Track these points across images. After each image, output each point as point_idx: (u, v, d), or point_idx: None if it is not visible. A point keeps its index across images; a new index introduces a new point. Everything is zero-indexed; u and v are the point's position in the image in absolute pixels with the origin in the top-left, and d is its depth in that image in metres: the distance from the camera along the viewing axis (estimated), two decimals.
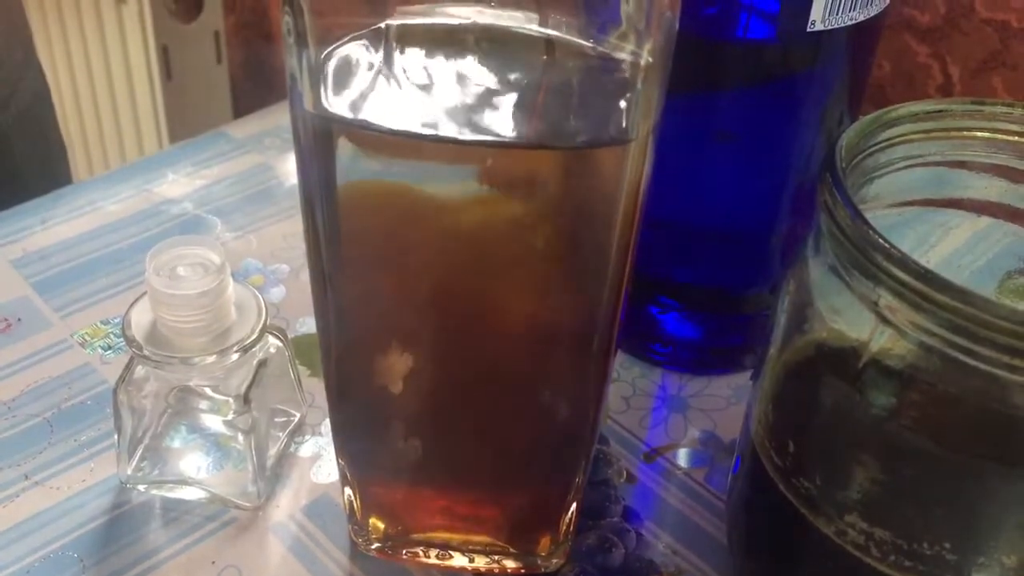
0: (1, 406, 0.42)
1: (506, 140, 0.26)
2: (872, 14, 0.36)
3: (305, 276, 0.49)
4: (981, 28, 0.59)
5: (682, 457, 0.42)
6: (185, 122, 1.10)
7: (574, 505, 0.35)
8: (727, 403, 0.44)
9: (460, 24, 0.26)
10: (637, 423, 0.43)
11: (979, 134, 0.32)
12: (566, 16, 0.26)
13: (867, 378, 0.29)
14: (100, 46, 1.11)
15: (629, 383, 0.45)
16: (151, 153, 1.13)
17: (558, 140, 0.26)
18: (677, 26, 0.26)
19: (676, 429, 0.43)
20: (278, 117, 0.61)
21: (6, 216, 0.52)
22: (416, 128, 0.26)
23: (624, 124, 0.26)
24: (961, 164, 0.33)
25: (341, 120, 0.26)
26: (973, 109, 0.32)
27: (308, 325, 0.47)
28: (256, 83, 1.17)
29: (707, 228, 0.43)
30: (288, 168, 0.57)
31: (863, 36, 0.38)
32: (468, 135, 0.25)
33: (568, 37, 0.26)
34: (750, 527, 0.35)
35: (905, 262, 0.26)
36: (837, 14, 0.35)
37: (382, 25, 0.26)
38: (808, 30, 0.35)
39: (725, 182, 0.41)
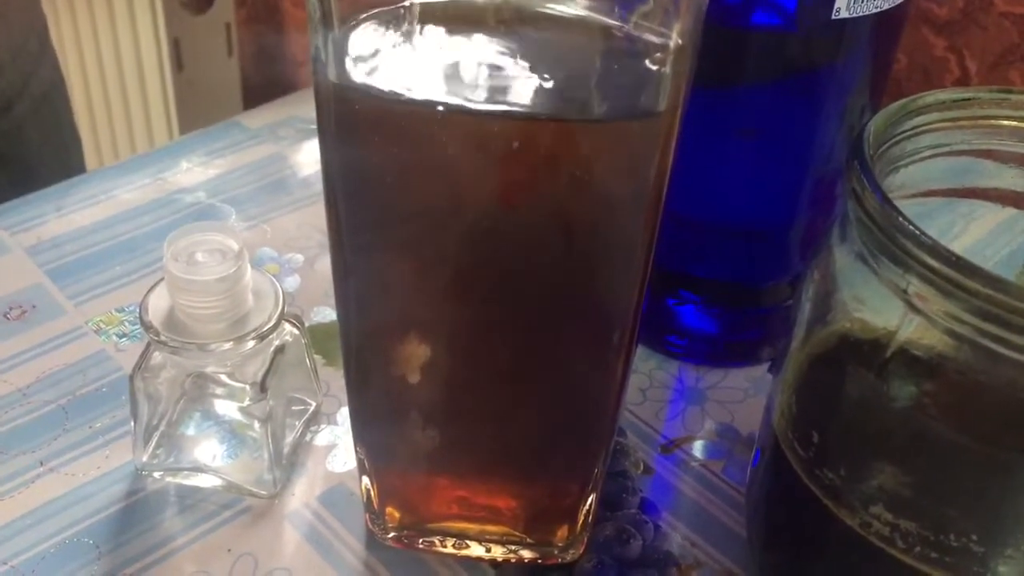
0: (16, 393, 0.42)
1: (532, 112, 0.25)
2: (897, 2, 0.36)
3: (319, 266, 0.49)
4: (999, 22, 0.59)
5: (699, 449, 0.41)
6: (196, 113, 1.10)
7: (592, 496, 0.35)
8: (744, 395, 0.44)
9: (484, 2, 0.26)
10: (654, 415, 0.43)
11: (1006, 123, 0.32)
12: None
13: (894, 368, 0.28)
14: (112, 38, 1.11)
15: (646, 375, 0.44)
16: (161, 143, 1.13)
17: (586, 113, 0.26)
18: (706, 8, 0.25)
19: (693, 421, 0.43)
20: (292, 107, 0.61)
21: (21, 204, 0.52)
22: (437, 99, 0.25)
23: (652, 99, 0.25)
24: (987, 153, 0.33)
25: (364, 93, 0.26)
26: (1000, 97, 0.32)
27: (323, 314, 0.47)
28: (266, 75, 1.17)
29: (726, 222, 0.42)
30: (302, 158, 0.57)
31: (887, 26, 0.37)
32: (494, 108, 0.25)
33: (595, 16, 0.26)
34: (771, 519, 0.35)
35: (935, 248, 0.25)
36: (862, 2, 0.35)
37: (406, 3, 0.26)
38: (832, 18, 0.35)
39: (745, 176, 0.41)
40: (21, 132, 0.65)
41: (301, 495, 0.39)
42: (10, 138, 0.65)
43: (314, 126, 0.60)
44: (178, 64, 1.07)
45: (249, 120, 0.60)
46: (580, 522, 0.35)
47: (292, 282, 0.48)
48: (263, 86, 1.17)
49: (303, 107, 0.61)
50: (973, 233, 0.35)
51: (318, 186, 0.55)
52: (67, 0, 1.13)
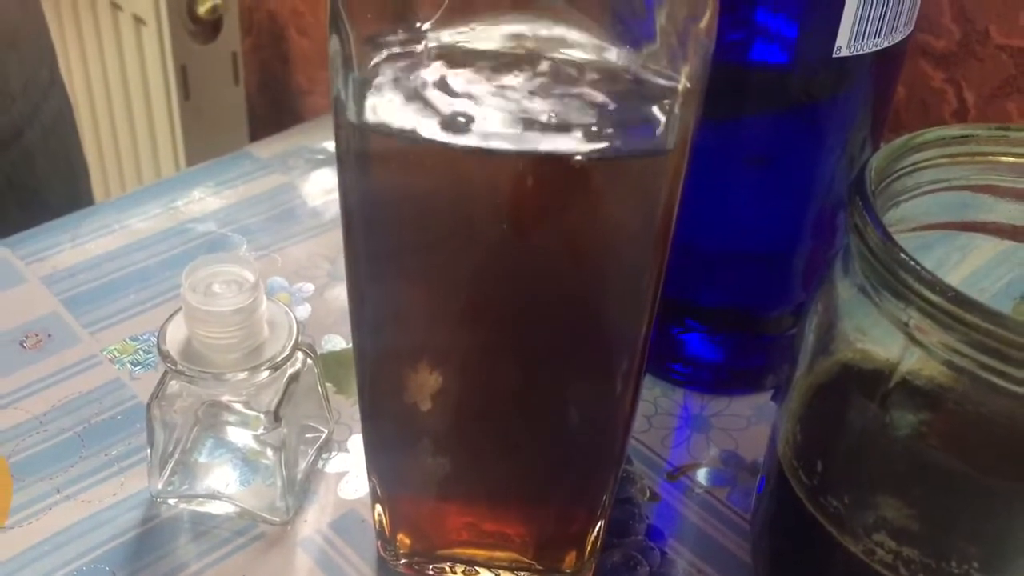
0: (33, 420, 0.42)
1: (545, 152, 0.26)
2: (896, 40, 0.37)
3: (330, 294, 0.50)
4: (996, 54, 0.60)
5: (704, 476, 0.42)
6: (202, 140, 1.11)
7: (601, 523, 0.35)
8: (748, 423, 0.44)
9: (494, 39, 0.27)
10: (659, 442, 0.43)
11: (1003, 159, 0.33)
12: (601, 32, 0.27)
13: (895, 398, 0.29)
14: (119, 66, 1.12)
15: (651, 402, 0.45)
16: (168, 170, 1.14)
17: (597, 153, 0.26)
18: (712, 51, 0.26)
19: (698, 448, 0.43)
20: (302, 137, 0.62)
21: (36, 234, 0.53)
22: (453, 139, 0.26)
23: (661, 139, 0.26)
24: (985, 188, 0.34)
25: (383, 132, 0.27)
26: (999, 135, 0.33)
27: (333, 343, 0.47)
28: (272, 103, 1.18)
29: (731, 250, 0.43)
30: (312, 188, 0.57)
31: (887, 62, 0.38)
32: (508, 147, 0.26)
33: (606, 59, 0.26)
34: (776, 546, 0.35)
35: (935, 283, 0.26)
36: (862, 40, 0.36)
37: (421, 46, 0.27)
38: (834, 56, 0.36)
39: (750, 205, 0.42)
40: (31, 159, 0.66)
41: (313, 521, 0.39)
42: (20, 165, 0.66)
43: (323, 156, 0.61)
44: (185, 92, 1.08)
45: (259, 150, 0.61)
46: (588, 549, 0.36)
47: (303, 311, 0.49)
48: (269, 114, 1.18)
49: (312, 137, 0.62)
50: (970, 264, 0.36)
51: (328, 215, 0.56)
52: (75, 28, 1.15)
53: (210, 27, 1.07)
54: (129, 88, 1.13)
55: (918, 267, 0.27)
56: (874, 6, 0.35)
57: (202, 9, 1.04)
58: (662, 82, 0.26)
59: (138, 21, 1.06)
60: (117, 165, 1.23)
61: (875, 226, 0.28)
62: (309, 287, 0.51)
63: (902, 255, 0.27)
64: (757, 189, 0.41)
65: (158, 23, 1.04)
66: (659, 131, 0.26)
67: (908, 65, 0.63)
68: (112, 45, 1.11)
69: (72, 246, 0.52)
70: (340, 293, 0.49)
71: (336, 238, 0.30)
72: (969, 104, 0.62)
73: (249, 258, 0.46)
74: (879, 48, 0.36)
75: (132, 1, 1.04)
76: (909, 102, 0.65)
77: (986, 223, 0.35)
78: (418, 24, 0.27)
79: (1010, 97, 0.60)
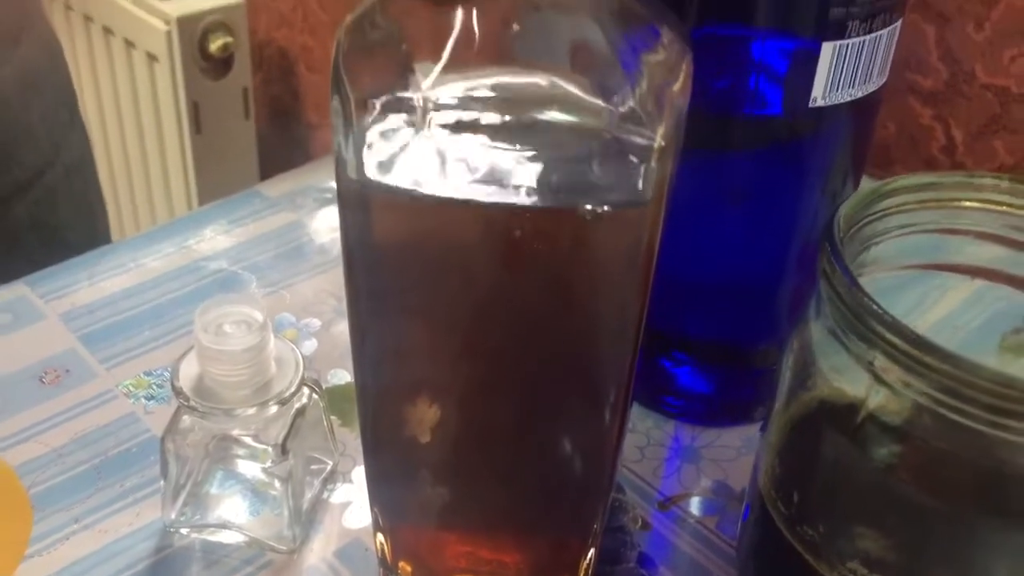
0: (52, 453, 0.44)
1: (532, 205, 0.28)
2: (870, 90, 0.39)
3: (335, 330, 0.52)
4: (982, 93, 0.61)
5: (694, 505, 0.44)
6: (214, 174, 1.13)
7: (592, 550, 0.37)
8: (737, 454, 0.46)
9: (485, 100, 0.29)
10: (651, 472, 0.45)
11: (969, 204, 0.35)
12: (584, 95, 0.29)
13: (865, 433, 0.31)
14: (132, 102, 1.15)
15: (644, 434, 0.47)
16: (180, 203, 1.17)
17: (580, 205, 0.28)
18: (686, 110, 0.28)
19: (689, 478, 0.45)
20: (309, 177, 0.64)
21: (55, 272, 0.55)
22: (448, 193, 0.28)
23: (639, 192, 0.28)
24: (954, 231, 0.35)
25: (382, 187, 0.29)
26: (963, 181, 0.34)
27: (339, 377, 0.49)
28: (282, 137, 1.21)
29: (719, 285, 0.45)
30: (319, 226, 0.60)
31: (863, 109, 0.40)
32: (498, 201, 0.28)
33: (587, 119, 0.28)
34: (759, 572, 0.37)
35: (897, 327, 0.28)
36: (837, 91, 0.38)
37: (418, 105, 0.29)
38: (810, 106, 0.38)
39: (735, 241, 0.43)
40: (53, 199, 0.69)
41: (319, 550, 0.41)
42: (43, 204, 0.68)
43: (330, 195, 0.63)
44: (197, 127, 1.11)
45: (268, 189, 0.63)
46: (580, 575, 0.38)
47: (309, 346, 0.51)
48: (279, 147, 1.21)
49: (320, 176, 0.64)
50: (948, 302, 0.38)
51: (334, 252, 0.58)
52: (89, 65, 1.18)
53: (221, 64, 1.09)
54: (142, 123, 1.16)
55: (881, 311, 0.28)
56: (847, 60, 0.37)
57: (214, 46, 1.07)
58: (639, 140, 0.28)
59: (151, 58, 1.09)
60: (131, 198, 1.26)
61: (843, 272, 0.30)
62: (316, 323, 0.53)
63: (866, 300, 0.29)
64: (741, 226, 0.43)
65: (171, 60, 1.06)
66: (637, 185, 0.28)
67: (897, 103, 0.65)
68: (126, 82, 1.14)
69: (89, 284, 0.54)
70: (345, 329, 0.51)
71: (342, 275, 0.32)
72: (957, 141, 0.64)
73: (257, 297, 0.48)
74: (854, 98, 0.38)
75: (145, 39, 1.07)
76: (899, 138, 0.67)
77: (957, 264, 0.36)
78: (415, 85, 0.29)
79: (997, 135, 0.62)
